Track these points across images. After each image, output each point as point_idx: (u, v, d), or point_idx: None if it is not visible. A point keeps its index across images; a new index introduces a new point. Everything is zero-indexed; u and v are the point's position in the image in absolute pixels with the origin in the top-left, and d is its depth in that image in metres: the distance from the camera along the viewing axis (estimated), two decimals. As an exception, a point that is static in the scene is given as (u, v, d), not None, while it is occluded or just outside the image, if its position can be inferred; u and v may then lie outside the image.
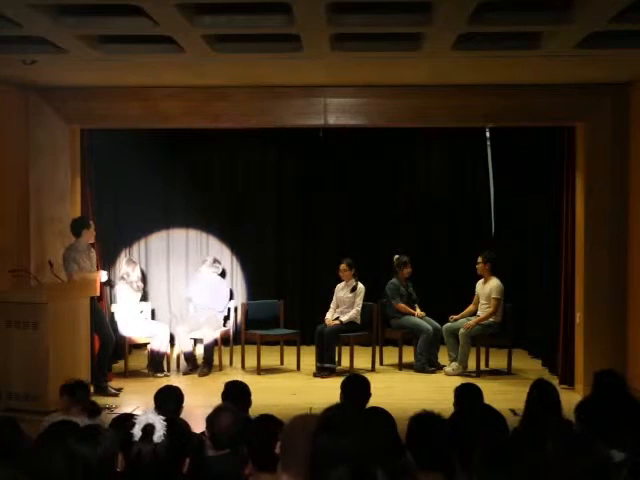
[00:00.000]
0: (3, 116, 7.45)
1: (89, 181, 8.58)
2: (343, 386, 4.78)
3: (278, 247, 10.56)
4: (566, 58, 6.26)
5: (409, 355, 8.96)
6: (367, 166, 10.29)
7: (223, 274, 9.89)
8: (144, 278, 9.78)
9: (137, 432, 2.66)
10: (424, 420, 3.30)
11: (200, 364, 8.86)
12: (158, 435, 2.64)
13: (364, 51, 6.06)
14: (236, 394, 4.76)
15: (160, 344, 8.66)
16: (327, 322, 8.89)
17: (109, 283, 8.84)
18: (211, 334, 8.89)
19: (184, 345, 8.88)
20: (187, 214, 10.43)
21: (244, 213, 10.51)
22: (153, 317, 9.79)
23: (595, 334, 7.63)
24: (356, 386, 4.77)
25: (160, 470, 2.63)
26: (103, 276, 8.09)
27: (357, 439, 2.73)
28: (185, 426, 4.37)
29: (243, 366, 8.97)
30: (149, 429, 2.65)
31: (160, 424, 2.66)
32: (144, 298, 9.49)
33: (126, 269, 8.91)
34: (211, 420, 3.91)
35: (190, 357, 8.84)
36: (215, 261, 9.55)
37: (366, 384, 4.79)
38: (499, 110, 7.68)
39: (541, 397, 4.37)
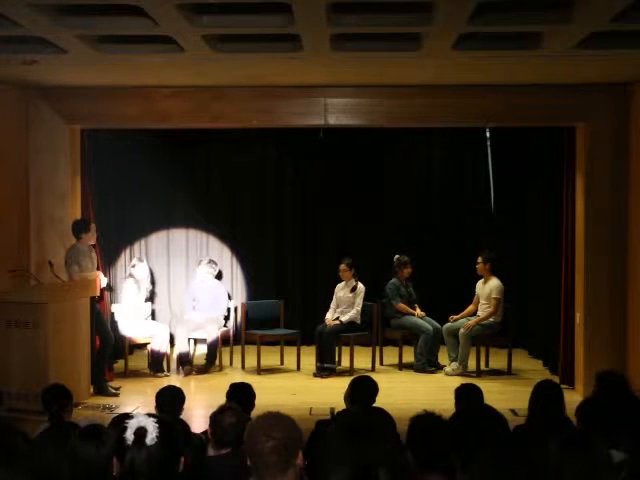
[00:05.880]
0: (3, 116, 7.44)
1: (89, 181, 8.58)
2: (353, 386, 4.78)
3: (278, 247, 10.56)
4: (566, 58, 6.25)
5: (409, 355, 8.96)
6: (367, 166, 10.28)
7: (219, 276, 9.87)
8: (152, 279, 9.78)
9: (129, 436, 2.64)
10: (424, 420, 3.30)
11: (196, 364, 8.87)
12: (151, 438, 2.63)
13: (364, 51, 6.06)
14: (241, 395, 4.78)
15: (160, 344, 8.66)
16: (327, 322, 8.88)
17: (109, 288, 8.83)
18: (215, 332, 8.90)
19: (180, 346, 8.87)
20: (187, 214, 10.43)
21: (244, 213, 10.52)
22: (153, 317, 9.79)
23: (595, 334, 7.63)
24: (366, 389, 4.77)
25: (155, 473, 2.62)
26: (103, 281, 8.08)
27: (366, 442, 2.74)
28: (185, 426, 4.39)
29: (243, 366, 8.97)
30: (141, 432, 2.63)
31: (152, 426, 2.65)
32: (150, 299, 9.49)
33: (135, 269, 8.90)
34: (215, 418, 3.91)
35: (185, 358, 8.84)
36: (211, 261, 9.52)
37: (376, 390, 4.79)
38: (499, 110, 7.68)
39: (546, 397, 4.37)
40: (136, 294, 8.84)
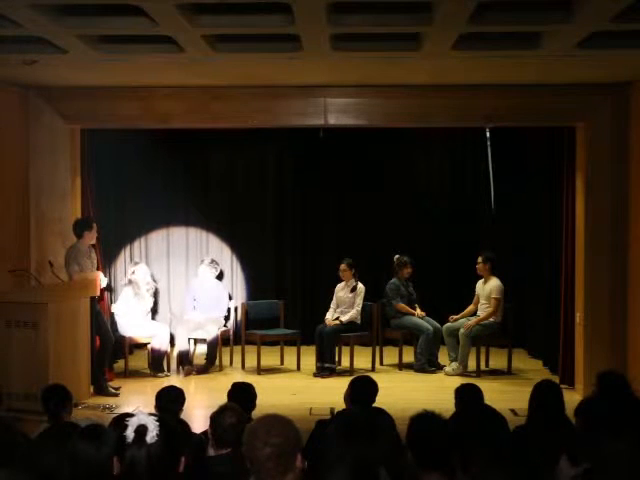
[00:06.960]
0: (3, 116, 7.44)
1: (89, 181, 8.58)
2: (353, 386, 4.78)
3: (278, 247, 10.56)
4: (566, 58, 6.25)
5: (409, 355, 8.96)
6: (367, 166, 10.28)
7: (221, 276, 9.87)
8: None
9: (130, 434, 2.64)
10: (424, 420, 3.30)
11: (196, 364, 8.87)
12: (151, 436, 2.62)
13: (364, 51, 6.06)
14: (242, 395, 4.78)
15: (160, 344, 8.66)
16: (327, 322, 8.88)
17: (109, 288, 8.82)
18: (215, 332, 8.90)
19: (181, 346, 8.87)
20: (187, 214, 10.43)
21: (244, 212, 10.51)
22: (153, 317, 9.79)
23: (595, 334, 7.63)
24: (366, 389, 4.78)
25: (155, 472, 2.62)
26: (103, 282, 8.07)
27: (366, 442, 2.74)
28: (185, 426, 4.39)
29: (243, 366, 8.97)
30: (142, 430, 2.63)
31: (153, 424, 2.64)
32: (154, 295, 9.49)
33: (135, 275, 8.88)
34: (215, 418, 3.91)
35: (184, 357, 8.83)
36: (213, 262, 9.52)
37: (376, 390, 4.80)
38: (499, 110, 7.67)
39: (546, 397, 4.37)
40: (132, 299, 8.81)
